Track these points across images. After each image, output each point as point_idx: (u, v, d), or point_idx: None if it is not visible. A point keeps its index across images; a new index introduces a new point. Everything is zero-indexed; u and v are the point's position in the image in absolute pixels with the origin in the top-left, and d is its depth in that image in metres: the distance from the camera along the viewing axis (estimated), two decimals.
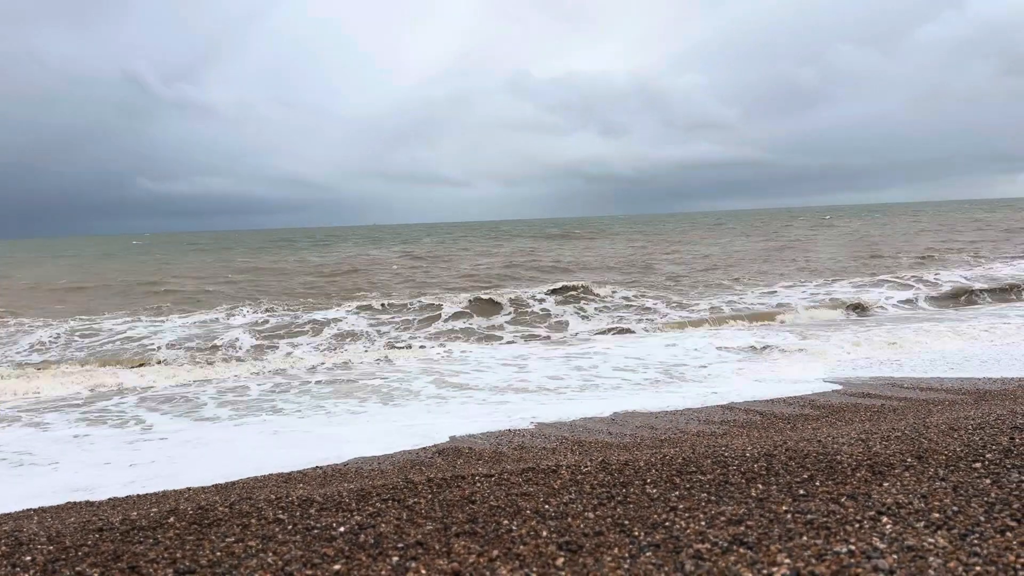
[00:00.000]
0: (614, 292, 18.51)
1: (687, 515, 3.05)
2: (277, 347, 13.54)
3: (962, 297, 17.43)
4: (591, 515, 3.15)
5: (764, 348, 11.23)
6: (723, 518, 2.97)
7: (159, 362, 12.33)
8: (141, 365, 12.04)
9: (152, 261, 42.47)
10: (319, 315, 16.42)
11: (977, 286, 18.12)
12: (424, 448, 6.05)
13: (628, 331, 14.46)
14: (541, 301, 17.43)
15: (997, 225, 45.44)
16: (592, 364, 10.46)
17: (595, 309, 16.72)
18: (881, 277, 20.53)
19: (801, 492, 3.26)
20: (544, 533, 2.96)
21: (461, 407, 8.00)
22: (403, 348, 13.22)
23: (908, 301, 17.01)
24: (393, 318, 16.30)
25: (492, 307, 17.08)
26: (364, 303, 17.74)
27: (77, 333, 14.97)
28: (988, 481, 3.17)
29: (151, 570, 2.81)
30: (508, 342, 13.84)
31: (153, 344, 13.80)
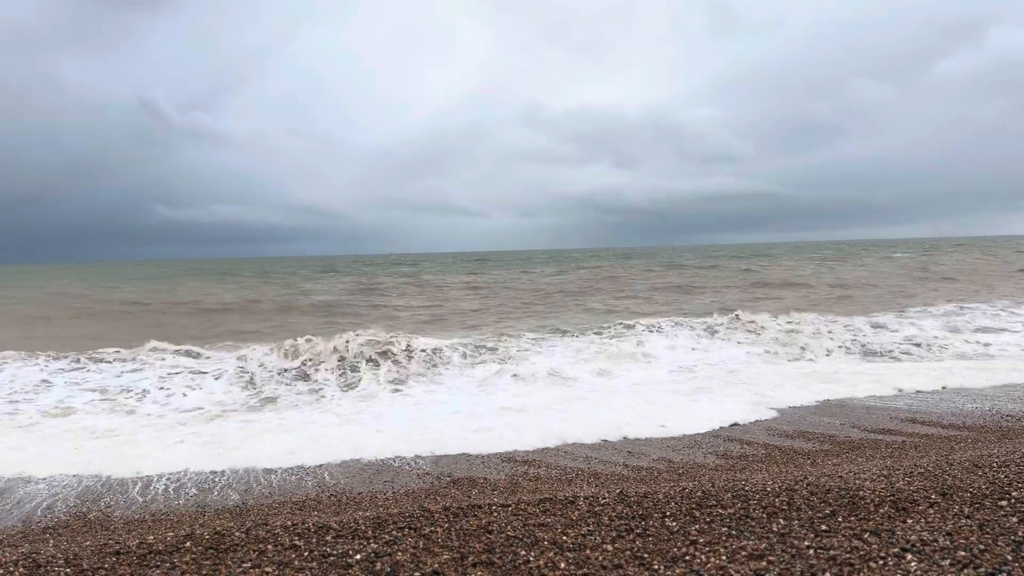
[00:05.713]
0: None
1: (707, 549, 3.01)
2: None
3: None
4: (610, 547, 3.12)
5: None
6: (744, 553, 2.93)
7: None
8: None
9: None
10: None
11: None
12: (438, 477, 6.02)
13: None
14: None
15: None
16: None
17: None
18: None
19: (823, 527, 3.21)
20: (562, 565, 2.93)
21: None
22: None
23: None
24: None
25: None
26: None
27: None
28: (1015, 519, 3.11)
29: None
30: None
31: None
